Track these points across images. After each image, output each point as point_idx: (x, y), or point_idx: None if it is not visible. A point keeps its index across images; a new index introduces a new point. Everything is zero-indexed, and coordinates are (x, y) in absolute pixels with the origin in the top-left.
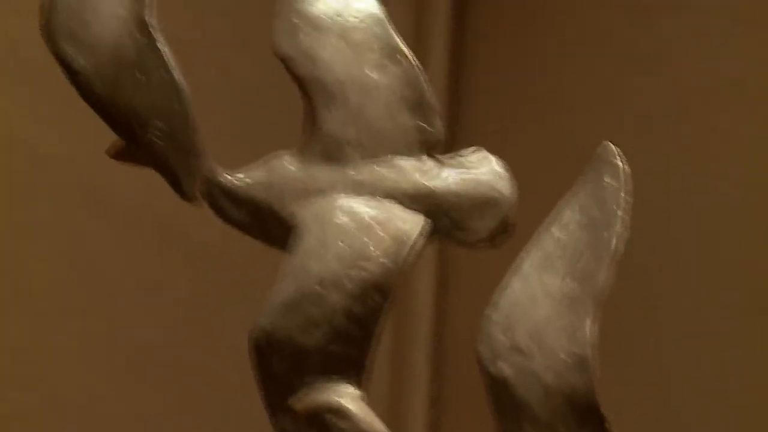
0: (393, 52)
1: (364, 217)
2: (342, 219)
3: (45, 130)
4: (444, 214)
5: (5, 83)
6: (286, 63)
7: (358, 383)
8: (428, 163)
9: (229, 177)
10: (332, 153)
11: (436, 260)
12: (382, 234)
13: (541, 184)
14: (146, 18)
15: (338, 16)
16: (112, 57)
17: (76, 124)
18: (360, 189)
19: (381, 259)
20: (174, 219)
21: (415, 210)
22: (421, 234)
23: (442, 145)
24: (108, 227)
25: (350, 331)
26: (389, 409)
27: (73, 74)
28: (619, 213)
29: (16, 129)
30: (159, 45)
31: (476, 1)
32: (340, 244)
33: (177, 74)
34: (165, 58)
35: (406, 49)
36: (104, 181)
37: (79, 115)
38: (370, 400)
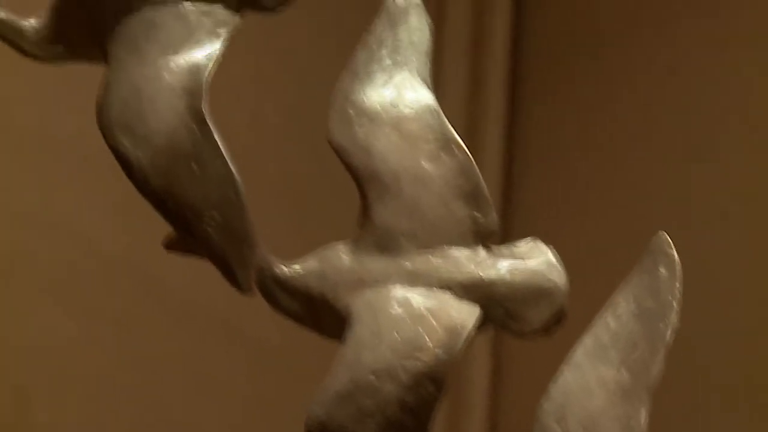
0: (447, 143)
1: (418, 308)
2: (396, 310)
3: (102, 222)
4: (498, 305)
5: (63, 175)
6: (341, 154)
7: None
8: (482, 254)
9: (283, 268)
10: (386, 244)
11: (490, 350)
12: (435, 324)
13: (594, 274)
14: (201, 109)
15: (393, 107)
16: (168, 148)
17: (132, 215)
18: (414, 280)
19: (435, 350)
20: (230, 312)
21: (469, 300)
22: (475, 324)
23: (496, 236)
24: (165, 319)
25: (404, 422)
26: None
27: (128, 166)
28: (674, 304)
29: (74, 221)
30: (214, 136)
31: (529, 91)
32: (394, 334)
33: (232, 165)
34: (220, 148)
35: (460, 140)
36: (161, 272)
37: (135, 207)
38: None
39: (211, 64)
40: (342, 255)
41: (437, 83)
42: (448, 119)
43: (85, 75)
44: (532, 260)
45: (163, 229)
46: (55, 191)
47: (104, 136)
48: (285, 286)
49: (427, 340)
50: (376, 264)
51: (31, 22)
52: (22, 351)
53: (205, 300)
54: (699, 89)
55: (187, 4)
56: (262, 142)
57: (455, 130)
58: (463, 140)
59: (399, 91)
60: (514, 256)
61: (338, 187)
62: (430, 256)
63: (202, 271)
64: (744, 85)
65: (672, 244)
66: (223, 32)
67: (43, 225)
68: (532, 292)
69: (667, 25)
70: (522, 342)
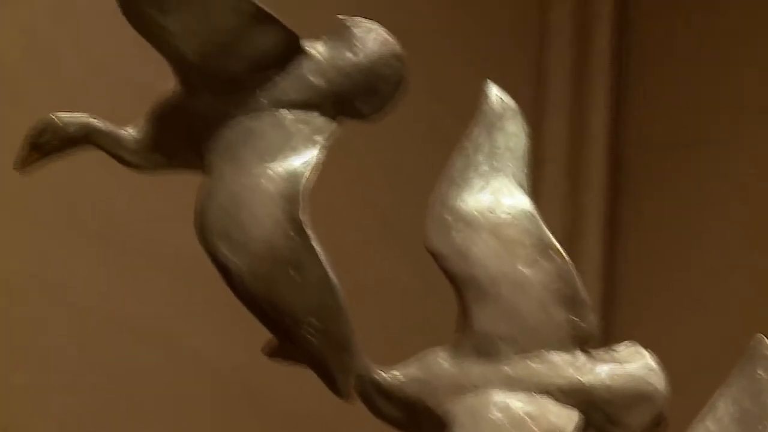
0: (545, 248)
1: (517, 413)
2: (496, 415)
3: (202, 330)
4: (597, 409)
5: (163, 285)
6: (439, 259)
7: None
8: (581, 358)
9: (383, 374)
10: (485, 349)
11: None
12: (536, 429)
13: (695, 378)
14: (299, 217)
15: (490, 212)
16: (266, 255)
17: (231, 323)
18: (513, 384)
19: None
20: (335, 420)
21: (568, 405)
22: (575, 429)
23: (596, 340)
24: (268, 428)
25: None
26: None
27: (228, 274)
28: None
29: (174, 330)
30: (312, 243)
31: (630, 195)
32: None
33: (330, 271)
34: (319, 256)
35: (557, 245)
36: (261, 379)
37: (234, 315)
38: None
39: (308, 172)
40: (441, 361)
41: (536, 187)
42: (546, 223)
43: (184, 184)
44: (632, 364)
45: (263, 335)
46: (160, 302)
47: (203, 244)
48: (385, 392)
49: None
50: (475, 369)
51: (129, 132)
52: None
53: (308, 409)
54: None
55: (285, 112)
56: (360, 248)
57: (553, 235)
58: (562, 244)
59: (496, 196)
60: (613, 361)
61: (436, 293)
62: (529, 361)
63: (306, 378)
64: None
65: None
66: (321, 140)
67: (150, 337)
68: (631, 397)
69: None
70: None
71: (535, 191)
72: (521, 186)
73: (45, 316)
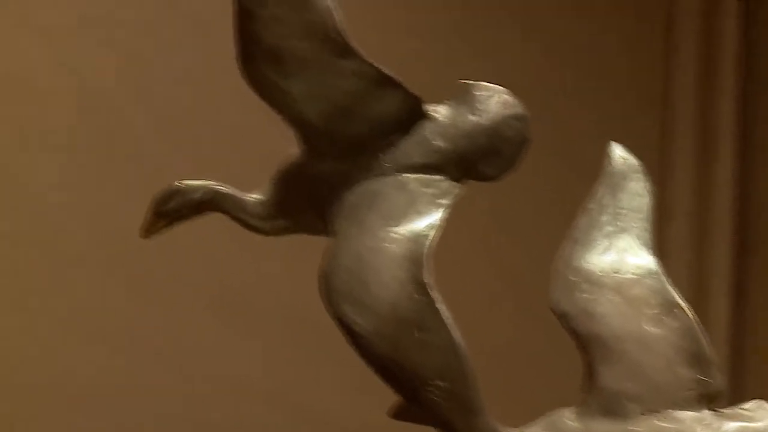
0: (670, 306)
1: None
2: None
3: (328, 392)
4: None
5: (287, 348)
6: (564, 319)
7: None
8: (708, 416)
9: None
10: (612, 408)
11: None
12: None
13: None
14: (423, 279)
15: (615, 272)
16: (391, 317)
17: (357, 385)
18: None
19: None
20: None
21: None
22: None
23: (723, 398)
24: None
25: None
26: None
27: (354, 336)
28: None
29: (301, 393)
30: (437, 305)
31: (756, 252)
32: None
33: (456, 333)
34: (443, 317)
35: (683, 303)
36: None
37: (359, 376)
38: None
39: (432, 233)
40: (568, 420)
41: (661, 246)
42: (672, 282)
43: (306, 246)
44: (760, 423)
45: (389, 397)
46: (285, 366)
47: (328, 306)
48: None
49: None
50: (602, 428)
51: (253, 197)
52: None
53: None
54: None
55: (408, 175)
56: (486, 309)
57: (679, 293)
58: (688, 302)
59: (621, 256)
60: (741, 419)
61: (562, 353)
62: (656, 420)
63: None
64: None
65: None
66: (444, 202)
67: (278, 401)
68: None
69: None
70: None
71: (660, 250)
72: (646, 245)
73: (169, 384)
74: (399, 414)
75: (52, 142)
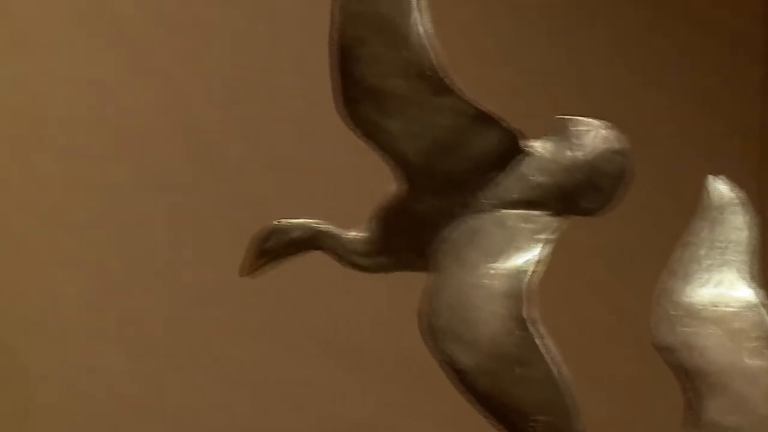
0: None
1: None
2: None
3: (423, 428)
4: None
5: (382, 384)
6: (665, 353)
7: None
8: None
9: None
10: None
11: None
12: None
13: None
14: (524, 315)
15: (714, 306)
16: (493, 354)
17: (453, 420)
18: None
19: None
20: None
21: None
22: None
23: None
24: None
25: None
26: None
27: (456, 373)
28: None
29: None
30: (537, 340)
31: None
32: None
33: (558, 368)
34: (544, 352)
35: None
36: None
37: (454, 410)
38: None
39: (532, 269)
40: None
41: (765, 278)
42: None
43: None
44: None
45: None
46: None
47: (430, 344)
48: None
49: None
50: None
51: (353, 234)
52: None
53: None
54: None
55: (507, 211)
56: (589, 343)
57: None
58: None
59: (720, 290)
60: None
61: (664, 387)
62: None
63: None
64: None
65: None
66: (544, 237)
67: None
68: None
69: None
70: None
71: (764, 282)
72: (745, 278)
73: (281, 423)
74: None
75: (158, 181)
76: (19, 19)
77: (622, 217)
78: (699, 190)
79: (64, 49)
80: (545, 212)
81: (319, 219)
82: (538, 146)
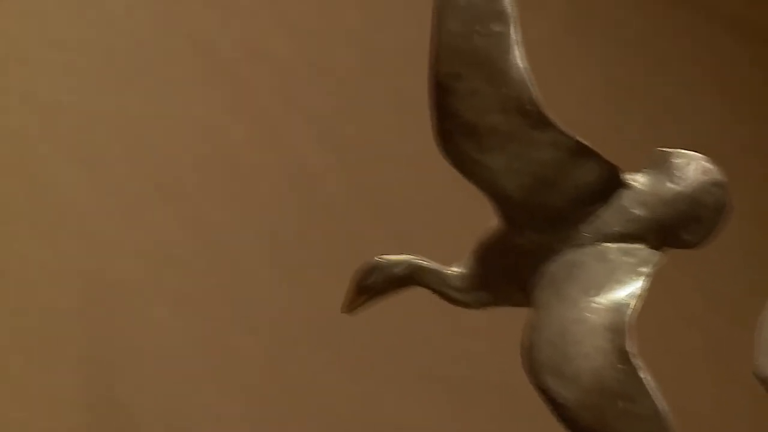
0: None
1: None
2: None
3: None
4: None
5: (499, 423)
6: (767, 385)
7: None
8: None
9: None
10: None
11: None
12: None
13: None
14: (626, 348)
15: None
16: (595, 388)
17: None
18: None
19: None
20: None
21: None
22: None
23: None
24: None
25: None
26: None
27: (558, 408)
28: None
29: None
30: (640, 374)
31: None
32: None
33: (661, 402)
34: (647, 386)
35: None
36: None
37: None
38: None
39: (633, 302)
40: None
41: None
42: None
43: (507, 318)
44: None
45: None
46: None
47: (532, 378)
48: None
49: None
50: None
51: (454, 270)
52: None
53: None
54: None
55: (608, 245)
56: (689, 376)
57: None
58: None
59: None
60: None
61: (764, 420)
62: None
63: None
64: None
65: None
66: (645, 270)
67: None
68: None
69: None
70: None
71: None
72: None
73: None
74: None
75: (262, 221)
76: (126, 62)
77: (717, 248)
78: None
79: (170, 89)
80: (645, 245)
81: (420, 255)
82: (638, 179)
